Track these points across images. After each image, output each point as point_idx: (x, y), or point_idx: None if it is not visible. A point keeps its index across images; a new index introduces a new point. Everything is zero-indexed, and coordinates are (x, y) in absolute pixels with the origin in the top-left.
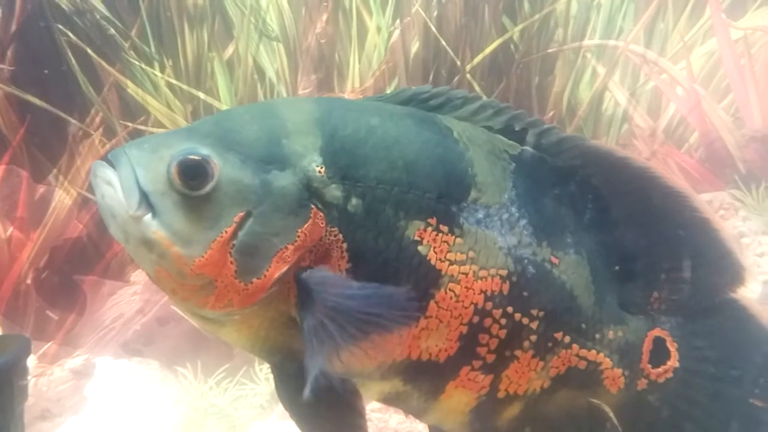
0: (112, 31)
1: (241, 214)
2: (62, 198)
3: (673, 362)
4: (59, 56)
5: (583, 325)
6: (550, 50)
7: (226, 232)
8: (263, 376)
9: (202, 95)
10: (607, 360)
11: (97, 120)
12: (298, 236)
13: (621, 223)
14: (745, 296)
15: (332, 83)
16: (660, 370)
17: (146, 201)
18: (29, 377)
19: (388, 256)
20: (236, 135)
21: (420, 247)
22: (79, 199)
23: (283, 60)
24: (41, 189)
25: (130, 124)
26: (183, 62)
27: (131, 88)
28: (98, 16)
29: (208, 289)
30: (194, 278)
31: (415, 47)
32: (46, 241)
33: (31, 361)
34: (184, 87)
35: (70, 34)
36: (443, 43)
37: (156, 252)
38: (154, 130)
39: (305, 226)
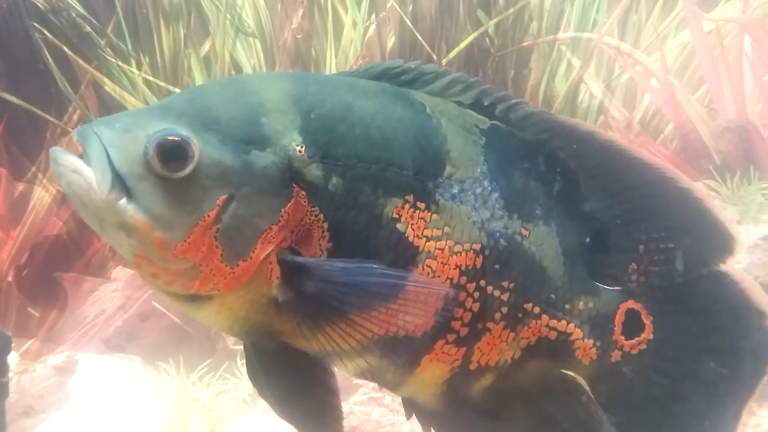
0: (88, 28)
1: (224, 196)
2: (41, 195)
3: (648, 334)
4: (35, 54)
5: (552, 296)
6: (525, 43)
7: (209, 215)
8: (245, 370)
9: (179, 91)
10: (578, 330)
11: (75, 117)
12: (282, 216)
13: (589, 195)
14: (733, 267)
15: None
16: (634, 341)
17: (120, 183)
18: (11, 374)
19: (367, 234)
20: (213, 114)
21: (398, 225)
22: (59, 196)
23: (260, 56)
24: (20, 186)
25: None
26: (160, 59)
27: (108, 85)
28: (74, 14)
29: (193, 273)
30: (177, 263)
31: (391, 42)
32: (27, 239)
33: (14, 359)
34: (162, 84)
35: (46, 33)
36: (419, 37)
37: (135, 237)
38: None
39: (288, 205)
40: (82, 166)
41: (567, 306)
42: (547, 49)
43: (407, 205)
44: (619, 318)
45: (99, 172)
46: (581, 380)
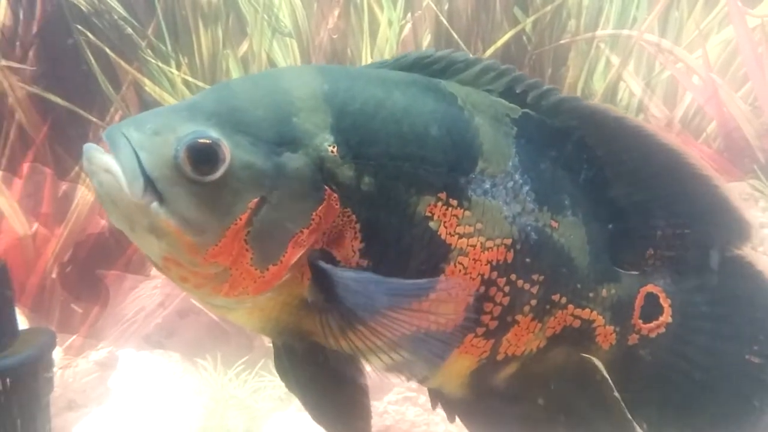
0: (130, 30)
1: (256, 200)
2: (84, 194)
3: (666, 318)
4: (79, 56)
5: (579, 285)
6: (562, 41)
7: (240, 219)
8: None
9: (208, 88)
10: (600, 317)
11: (117, 117)
12: (313, 219)
13: (616, 181)
14: (752, 252)
15: None
16: (652, 325)
17: (151, 187)
18: (54, 369)
19: (399, 234)
20: (243, 114)
21: (431, 223)
22: None
23: (296, 55)
24: (64, 186)
25: None
26: (198, 60)
27: (148, 86)
28: (116, 17)
29: (223, 277)
30: (208, 266)
31: (426, 41)
32: (70, 237)
33: (57, 354)
34: (200, 84)
35: (89, 35)
36: (455, 36)
37: (166, 241)
38: None
39: (320, 208)
40: (116, 166)
41: (591, 294)
42: (585, 46)
43: (440, 203)
44: (639, 302)
45: (130, 176)
46: (597, 362)
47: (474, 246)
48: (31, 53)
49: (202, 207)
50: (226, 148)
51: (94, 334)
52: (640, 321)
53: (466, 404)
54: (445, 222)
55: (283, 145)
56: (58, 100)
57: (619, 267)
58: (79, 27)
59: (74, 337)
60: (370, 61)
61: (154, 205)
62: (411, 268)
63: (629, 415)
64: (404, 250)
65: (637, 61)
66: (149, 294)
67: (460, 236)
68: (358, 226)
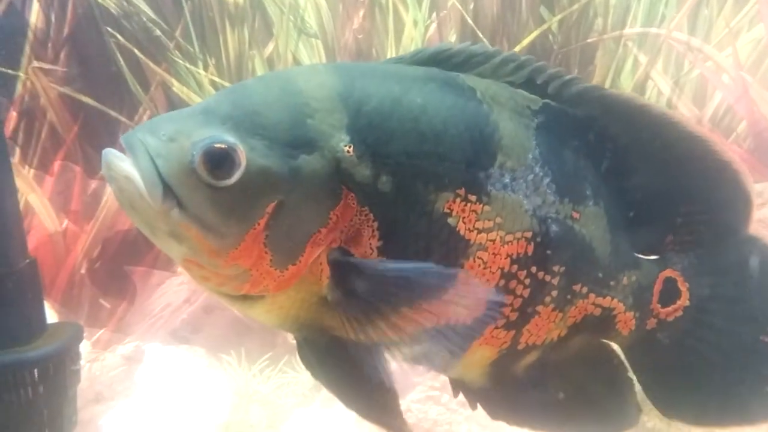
0: (158, 32)
1: (273, 204)
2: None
3: (684, 301)
4: (109, 57)
5: (600, 274)
6: (589, 40)
7: (259, 224)
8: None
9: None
10: (620, 304)
11: (145, 117)
12: (330, 219)
13: (640, 169)
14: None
15: None
16: (669, 309)
17: (170, 193)
18: (82, 362)
19: (418, 231)
20: (258, 117)
21: (449, 219)
22: None
23: (322, 56)
24: (93, 184)
25: None
26: (225, 60)
27: (176, 86)
28: (144, 18)
29: (243, 278)
30: (228, 269)
31: (452, 40)
32: (99, 233)
33: (85, 347)
34: (227, 84)
35: (119, 36)
36: (480, 35)
37: (186, 245)
38: None
39: (337, 208)
40: (135, 173)
41: (612, 282)
42: (612, 45)
43: (458, 199)
44: (658, 287)
45: (149, 183)
46: (615, 347)
47: (493, 240)
48: (62, 55)
49: (220, 212)
50: (242, 153)
51: (122, 328)
52: (659, 305)
53: (486, 392)
54: (464, 218)
55: (299, 148)
56: (89, 100)
57: (638, 252)
58: (109, 29)
59: (102, 331)
60: None
61: (174, 211)
62: None
63: (645, 396)
64: (423, 247)
65: (666, 60)
66: (175, 290)
67: (480, 231)
68: (375, 224)
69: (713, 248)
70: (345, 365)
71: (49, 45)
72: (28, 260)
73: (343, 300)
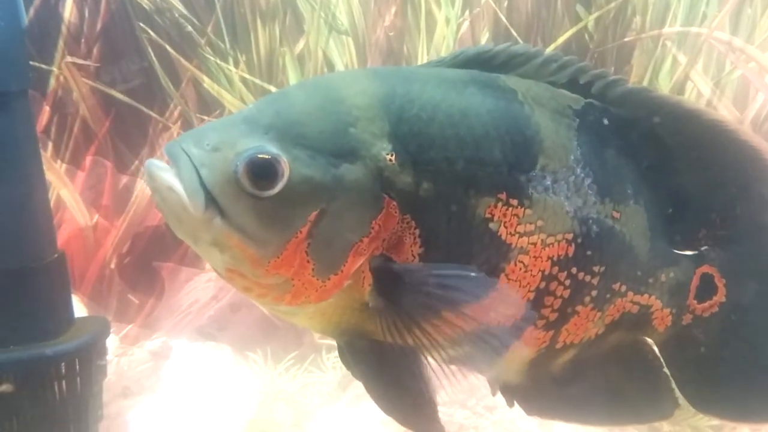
0: (190, 28)
1: (315, 213)
2: (143, 188)
3: (720, 297)
4: (141, 53)
5: (639, 273)
6: (627, 39)
7: (301, 232)
8: (330, 364)
9: (274, 89)
10: (658, 302)
11: (176, 114)
12: (372, 228)
13: (682, 171)
14: None
15: None
16: (706, 305)
17: (213, 203)
18: (108, 357)
19: (459, 237)
20: (301, 127)
21: (491, 225)
22: None
23: (353, 53)
24: (124, 179)
25: (206, 118)
26: (256, 57)
27: (207, 82)
28: (176, 14)
29: (285, 288)
30: (270, 278)
31: (484, 38)
32: (129, 229)
33: (114, 342)
34: (257, 81)
35: (151, 32)
36: (514, 33)
37: (229, 254)
38: None
39: (379, 216)
40: (177, 184)
41: (651, 280)
42: (651, 44)
43: (500, 204)
44: (695, 283)
45: (192, 192)
46: (650, 342)
47: (535, 244)
48: (95, 50)
49: (263, 221)
50: (285, 163)
51: (150, 324)
52: (695, 301)
53: (523, 390)
54: (505, 222)
55: (342, 157)
56: (120, 95)
57: (675, 249)
58: (141, 24)
59: (130, 326)
60: (426, 59)
61: (216, 220)
62: None
63: (677, 393)
64: (464, 253)
65: (706, 60)
66: (203, 287)
67: (521, 235)
68: (417, 231)
69: (750, 244)
70: (385, 370)
71: (82, 40)
72: (56, 254)
73: (385, 306)
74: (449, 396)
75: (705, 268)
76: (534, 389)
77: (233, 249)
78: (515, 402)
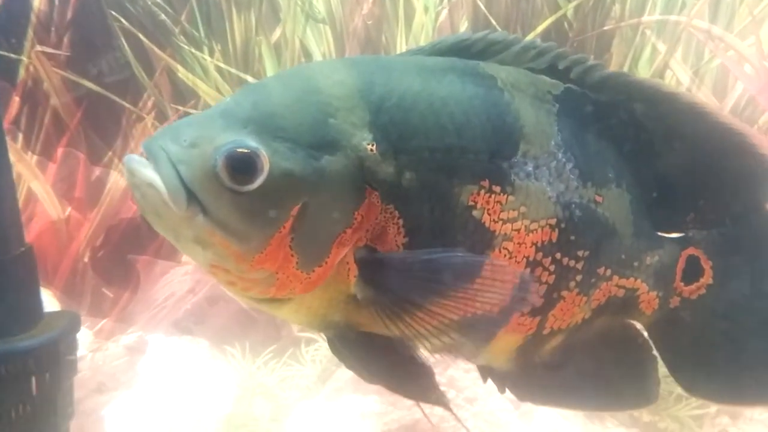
0: (163, 16)
1: (297, 206)
2: (117, 179)
3: (707, 279)
4: (113, 42)
5: (623, 256)
6: (606, 27)
7: (284, 227)
8: (309, 357)
9: (250, 78)
10: (644, 285)
11: (150, 104)
12: (355, 218)
13: (663, 153)
14: None
15: None
16: (693, 287)
17: (194, 199)
18: (83, 352)
19: (443, 225)
20: (280, 120)
21: (474, 212)
22: None
23: (330, 42)
24: (97, 171)
25: (181, 108)
26: (231, 46)
27: (182, 72)
28: (150, 2)
29: (269, 281)
30: (254, 273)
31: (463, 27)
32: (103, 221)
33: (88, 337)
34: (233, 71)
35: (123, 21)
36: (493, 22)
37: (212, 251)
38: None
39: (361, 207)
40: (158, 180)
41: (635, 263)
42: (630, 33)
43: (482, 191)
44: (680, 265)
45: (172, 190)
46: (639, 326)
47: (518, 230)
48: (65, 39)
49: (245, 216)
50: (265, 157)
51: (125, 318)
52: (682, 284)
53: (513, 376)
54: (488, 209)
55: (322, 149)
56: (92, 85)
57: (660, 231)
58: (114, 13)
59: (105, 321)
60: (405, 47)
61: (199, 217)
62: None
63: (668, 373)
64: (448, 242)
65: (686, 49)
66: (179, 280)
67: (504, 222)
68: (401, 221)
69: (736, 225)
70: (376, 355)
71: (52, 29)
72: (24, 248)
73: (373, 297)
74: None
75: (691, 251)
76: (524, 375)
77: (216, 246)
78: (506, 389)
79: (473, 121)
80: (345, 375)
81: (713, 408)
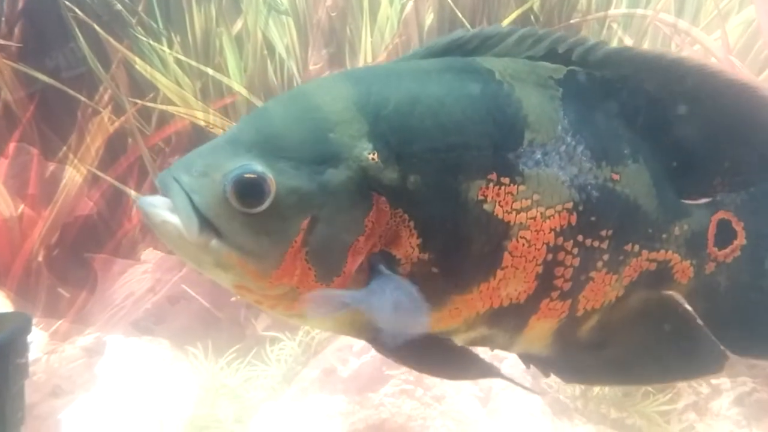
0: (119, 6)
1: (306, 220)
2: (72, 175)
3: (740, 240)
4: (67, 33)
5: (650, 230)
6: (573, 21)
7: (296, 241)
8: (275, 357)
9: (210, 71)
10: (676, 255)
11: (106, 97)
12: (366, 226)
13: (678, 121)
14: None
15: (344, 58)
16: (727, 250)
17: (208, 226)
18: (37, 355)
19: (455, 223)
20: (282, 141)
21: (485, 206)
22: (89, 176)
23: (293, 35)
24: (52, 166)
25: (138, 102)
26: (191, 38)
27: (139, 64)
28: None
29: (292, 296)
30: (275, 289)
31: (429, 19)
32: (57, 219)
33: (42, 339)
34: (193, 63)
35: (78, 11)
36: (459, 14)
37: (232, 272)
38: (163, 107)
39: (370, 214)
40: (169, 215)
41: (664, 236)
42: (597, 26)
43: (491, 184)
44: (712, 231)
45: (186, 219)
46: (678, 296)
47: (534, 218)
48: (16, 29)
49: (257, 236)
50: (271, 179)
51: (82, 319)
52: (715, 249)
53: (554, 360)
54: (499, 201)
55: (325, 163)
56: (46, 78)
57: (687, 199)
58: (68, 3)
59: (60, 322)
60: (369, 40)
61: (214, 242)
62: (473, 252)
63: (714, 339)
64: (463, 237)
65: (652, 43)
66: (139, 279)
67: (518, 211)
68: (412, 223)
69: (763, 184)
70: (419, 349)
71: (2, 19)
72: None
73: (385, 296)
74: (395, 386)
75: (721, 215)
76: (566, 358)
77: (235, 267)
78: (551, 373)
79: (473, 116)
80: (311, 375)
81: (681, 404)
